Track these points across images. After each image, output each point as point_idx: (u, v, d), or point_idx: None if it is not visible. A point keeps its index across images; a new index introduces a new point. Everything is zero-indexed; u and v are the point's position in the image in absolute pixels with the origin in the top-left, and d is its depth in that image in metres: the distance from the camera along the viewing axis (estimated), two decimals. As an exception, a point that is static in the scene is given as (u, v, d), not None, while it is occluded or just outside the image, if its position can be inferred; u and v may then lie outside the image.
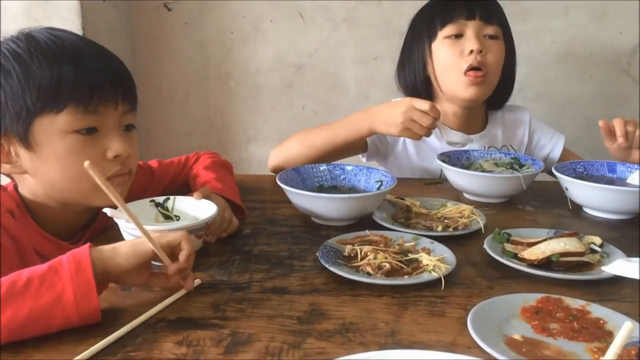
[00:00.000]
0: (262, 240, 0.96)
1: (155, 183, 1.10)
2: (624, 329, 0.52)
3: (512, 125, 1.51)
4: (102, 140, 0.87)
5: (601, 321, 0.68)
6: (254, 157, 2.07)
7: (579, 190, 1.11)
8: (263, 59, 2.00)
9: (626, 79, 1.98)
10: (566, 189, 1.13)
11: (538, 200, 1.20)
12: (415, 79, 1.44)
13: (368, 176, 1.12)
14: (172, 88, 2.01)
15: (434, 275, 0.79)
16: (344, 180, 1.14)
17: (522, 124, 1.51)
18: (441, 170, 1.30)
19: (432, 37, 1.39)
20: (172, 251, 0.74)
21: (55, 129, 0.83)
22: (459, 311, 0.72)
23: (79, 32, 1.54)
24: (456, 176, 1.20)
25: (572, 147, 1.54)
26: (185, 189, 1.13)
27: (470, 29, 1.34)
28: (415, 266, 0.83)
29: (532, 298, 0.73)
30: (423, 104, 1.17)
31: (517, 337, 0.65)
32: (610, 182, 1.18)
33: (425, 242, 0.91)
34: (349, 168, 1.14)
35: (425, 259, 0.84)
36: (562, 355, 0.62)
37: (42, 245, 0.87)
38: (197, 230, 0.84)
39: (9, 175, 0.90)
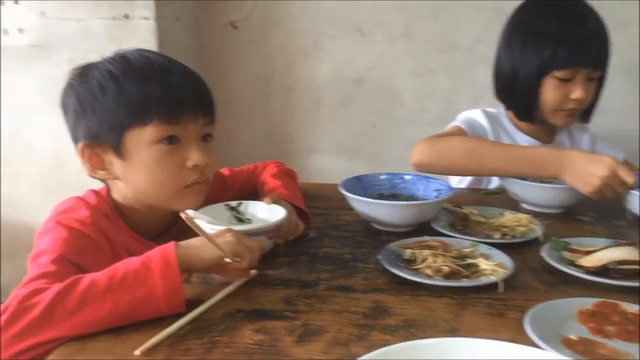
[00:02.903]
0: (326, 243, 1.03)
1: (227, 189, 1.19)
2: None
3: (577, 135, 1.53)
4: (183, 151, 0.95)
5: (657, 325, 0.71)
6: (314, 168, 2.14)
7: (637, 201, 1.12)
8: (323, 74, 2.08)
9: (691, 91, 1.95)
10: (625, 200, 1.14)
11: (596, 211, 1.21)
12: (528, 97, 1.37)
13: (426, 185, 1.17)
14: (237, 101, 2.12)
15: (492, 278, 0.83)
16: (403, 189, 1.19)
17: (585, 134, 1.53)
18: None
19: (543, 70, 1.33)
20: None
21: (142, 140, 0.92)
22: (517, 313, 0.76)
23: (155, 50, 1.66)
24: (515, 186, 1.22)
25: (634, 160, 1.54)
26: (253, 196, 1.20)
27: (581, 75, 1.32)
28: (473, 270, 0.87)
29: (588, 302, 0.76)
30: (629, 177, 1.08)
31: (573, 337, 0.69)
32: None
33: (483, 249, 0.95)
34: (407, 177, 1.19)
35: (483, 263, 0.88)
36: (618, 355, 0.65)
37: (132, 245, 0.96)
38: (268, 232, 0.91)
39: (103, 181, 1.00)
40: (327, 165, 2.14)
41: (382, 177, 1.20)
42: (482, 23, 2.00)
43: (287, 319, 0.74)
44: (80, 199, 0.96)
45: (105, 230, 0.92)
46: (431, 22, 2.03)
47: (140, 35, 1.68)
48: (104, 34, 1.68)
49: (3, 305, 0.69)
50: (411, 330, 0.72)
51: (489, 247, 0.95)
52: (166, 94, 0.92)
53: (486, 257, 0.91)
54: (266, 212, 1.00)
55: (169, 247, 0.76)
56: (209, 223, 0.90)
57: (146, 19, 1.67)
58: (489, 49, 1.98)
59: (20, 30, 1.67)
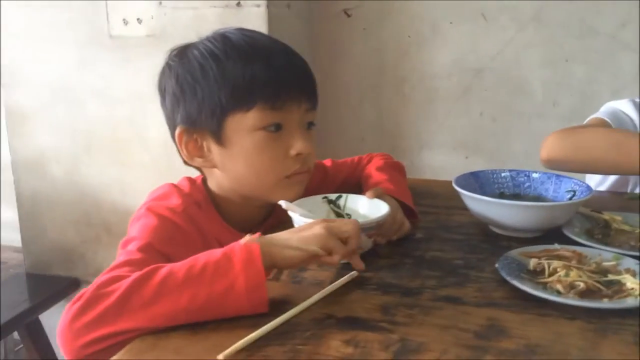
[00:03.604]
0: (434, 246, 0.90)
1: (329, 182, 1.10)
2: None
3: None
4: (286, 138, 0.88)
5: None
6: (426, 164, 2.00)
7: None
8: (440, 63, 1.93)
9: None
10: None
11: None
12: None
13: (558, 185, 1.00)
14: (347, 93, 2.03)
15: (644, 301, 0.67)
16: (528, 188, 1.03)
17: None
18: None
19: None
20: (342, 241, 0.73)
21: (244, 126, 0.86)
22: (675, 347, 0.60)
23: (265, 37, 1.62)
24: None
25: None
26: (357, 190, 1.11)
27: None
28: (616, 289, 0.71)
29: None
30: None
31: None
32: None
33: (630, 263, 0.78)
34: (535, 175, 1.03)
35: (630, 281, 0.72)
36: None
37: (224, 236, 0.90)
38: (368, 229, 0.81)
39: (199, 169, 0.95)
40: (440, 162, 1.99)
41: (504, 174, 1.05)
42: (629, 5, 1.74)
43: (382, 331, 0.64)
44: (174, 186, 0.93)
45: (197, 220, 0.88)
46: (567, 4, 1.80)
47: (252, 22, 1.65)
48: (217, 22, 1.67)
49: (81, 292, 0.66)
50: (535, 357, 0.59)
51: (636, 261, 0.78)
52: (270, 76, 0.85)
53: (634, 273, 0.74)
54: (367, 207, 0.90)
55: (254, 238, 0.69)
56: (303, 216, 0.82)
57: (257, 6, 1.64)
58: (636, 34, 1.74)
59: (139, 20, 1.71)
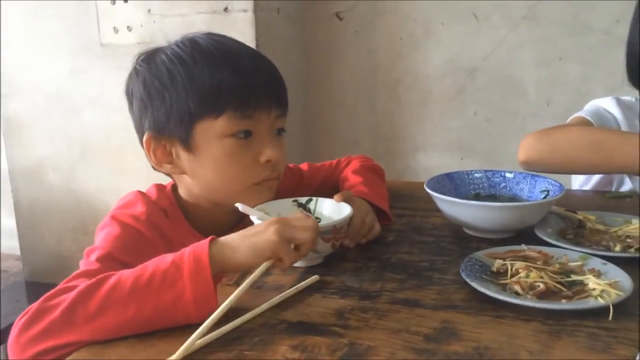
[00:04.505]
0: (403, 248, 0.89)
1: (305, 186, 1.10)
2: None
3: None
4: (256, 145, 0.87)
5: None
6: (421, 167, 1.99)
7: None
8: (433, 64, 1.92)
9: None
10: None
11: None
12: None
13: (533, 185, 0.99)
14: (341, 96, 2.03)
15: (601, 302, 0.65)
16: (504, 188, 1.02)
17: None
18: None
19: None
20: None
21: (213, 133, 0.85)
22: (630, 349, 0.58)
23: (252, 43, 1.62)
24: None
25: None
26: (335, 193, 1.10)
27: None
28: (578, 290, 0.70)
29: None
30: None
31: None
32: None
33: (596, 263, 0.76)
34: (509, 175, 1.02)
35: (592, 281, 0.70)
36: None
37: (191, 243, 0.89)
38: (323, 234, 0.79)
39: (169, 175, 0.95)
40: (435, 164, 1.97)
41: (479, 175, 1.03)
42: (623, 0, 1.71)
43: (332, 336, 0.63)
44: (141, 193, 0.92)
45: (161, 227, 0.87)
46: (560, 2, 1.78)
47: (239, 28, 1.66)
48: (205, 28, 1.66)
49: (30, 305, 0.66)
50: (481, 359, 0.58)
51: (603, 261, 0.76)
52: (239, 83, 0.85)
53: (597, 274, 0.73)
54: (332, 211, 0.89)
55: (203, 245, 0.68)
56: (260, 219, 0.81)
57: (245, 11, 1.65)
58: (630, 29, 1.71)
59: (129, 28, 1.73)
